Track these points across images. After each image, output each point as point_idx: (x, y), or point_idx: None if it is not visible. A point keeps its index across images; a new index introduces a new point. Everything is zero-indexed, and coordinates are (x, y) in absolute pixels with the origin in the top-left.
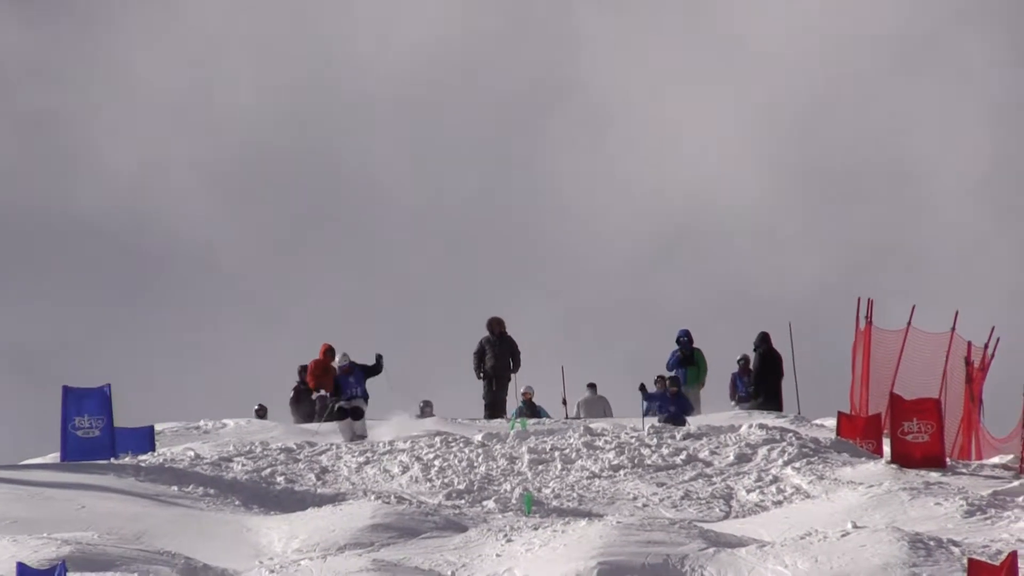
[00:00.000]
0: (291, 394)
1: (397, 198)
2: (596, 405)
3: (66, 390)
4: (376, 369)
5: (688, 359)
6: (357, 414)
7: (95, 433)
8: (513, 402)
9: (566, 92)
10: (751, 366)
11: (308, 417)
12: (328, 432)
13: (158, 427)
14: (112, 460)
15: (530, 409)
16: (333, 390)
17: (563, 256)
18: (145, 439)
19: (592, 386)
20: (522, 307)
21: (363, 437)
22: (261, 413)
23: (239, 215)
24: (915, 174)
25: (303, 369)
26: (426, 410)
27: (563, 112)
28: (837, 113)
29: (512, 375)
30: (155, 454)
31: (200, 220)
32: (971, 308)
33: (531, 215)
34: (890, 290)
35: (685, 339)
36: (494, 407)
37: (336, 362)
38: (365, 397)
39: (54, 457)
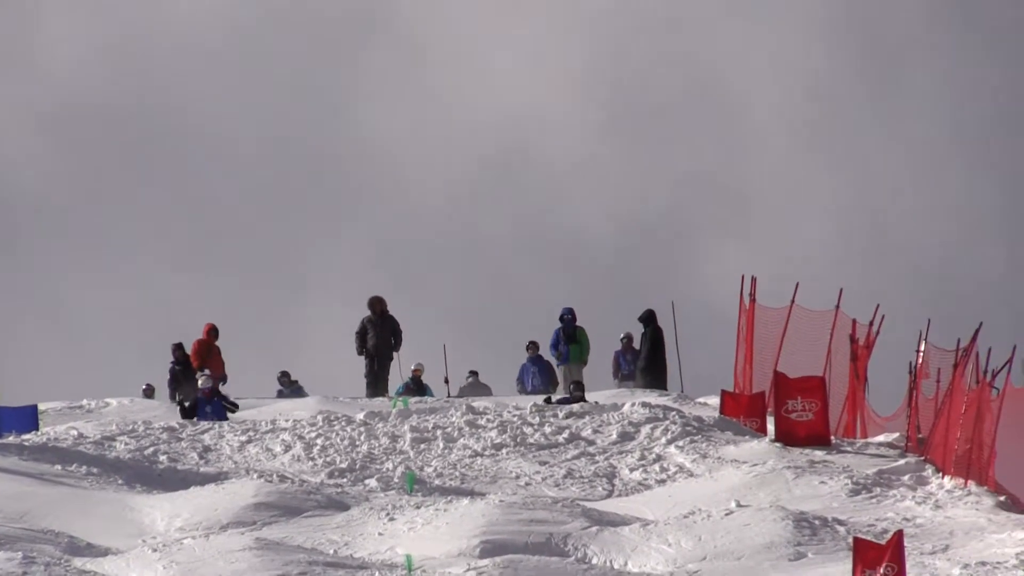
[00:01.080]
0: (167, 376)
1: (226, 137)
2: (478, 391)
3: None
4: (233, 410)
5: (571, 337)
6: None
7: None
8: (396, 380)
9: (381, 23)
10: (634, 344)
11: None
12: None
13: (41, 406)
14: None
15: (417, 386)
16: (186, 412)
17: (380, 189)
18: (28, 418)
19: (474, 373)
20: (342, 242)
21: None
22: (149, 393)
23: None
24: (739, 106)
25: (177, 347)
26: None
27: (378, 43)
28: (664, 42)
29: (394, 354)
30: (38, 433)
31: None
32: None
33: (346, 148)
34: (709, 221)
35: (568, 317)
36: (376, 386)
37: (199, 383)
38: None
39: None
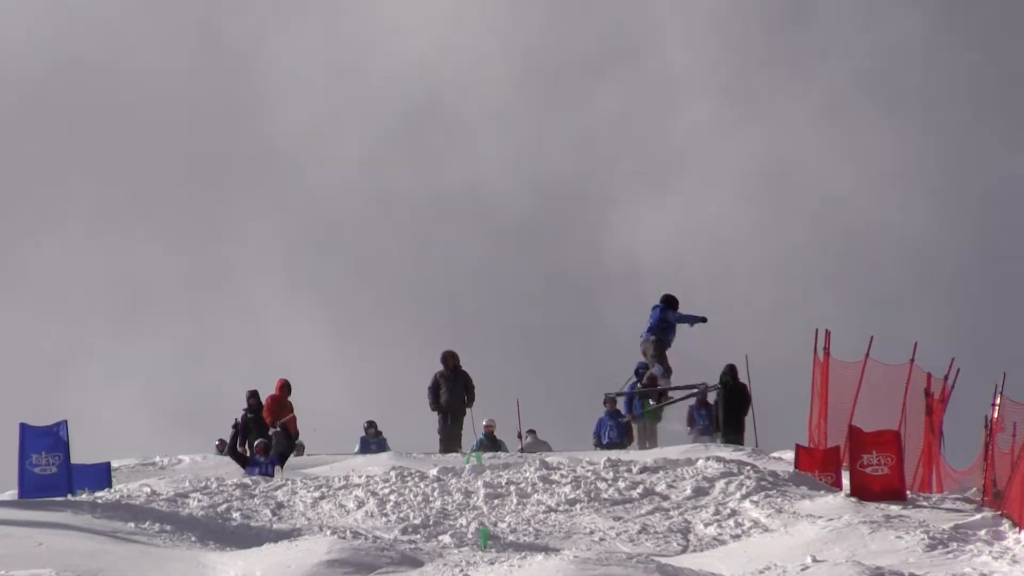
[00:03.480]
0: (238, 423)
1: (133, 98)
2: (538, 449)
3: (23, 427)
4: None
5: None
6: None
7: (52, 470)
8: (469, 436)
9: None
10: (708, 399)
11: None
12: (284, 467)
13: (114, 464)
14: (69, 497)
15: (491, 442)
16: (235, 454)
17: (288, 156)
18: (102, 476)
19: (532, 432)
20: (249, 215)
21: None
22: (222, 449)
23: None
24: (648, 52)
25: (252, 395)
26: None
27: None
28: None
29: (467, 409)
30: (111, 490)
31: None
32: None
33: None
34: (626, 176)
35: (642, 370)
36: (449, 441)
37: (259, 443)
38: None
39: (11, 494)
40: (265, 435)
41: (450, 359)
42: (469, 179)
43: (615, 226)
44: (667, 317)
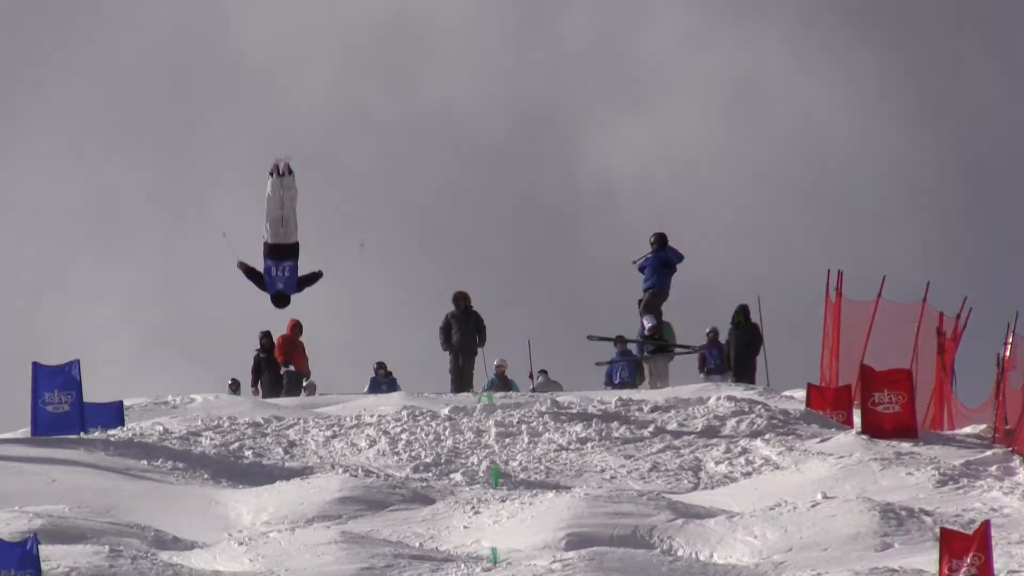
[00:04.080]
0: (252, 364)
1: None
2: (550, 389)
3: (36, 366)
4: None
5: (658, 333)
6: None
7: (65, 408)
8: (480, 375)
9: None
10: (719, 339)
11: (275, 391)
12: (296, 407)
13: (126, 402)
14: (82, 435)
15: (503, 381)
16: (251, 273)
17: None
18: (114, 414)
19: (544, 372)
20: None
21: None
22: (234, 388)
23: None
24: None
25: (264, 335)
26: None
27: None
28: None
29: (479, 349)
30: (124, 429)
31: None
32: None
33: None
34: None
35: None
36: (461, 381)
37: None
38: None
39: (25, 432)
40: (277, 375)
41: (461, 299)
42: (441, 100)
43: (590, 147)
44: (669, 258)
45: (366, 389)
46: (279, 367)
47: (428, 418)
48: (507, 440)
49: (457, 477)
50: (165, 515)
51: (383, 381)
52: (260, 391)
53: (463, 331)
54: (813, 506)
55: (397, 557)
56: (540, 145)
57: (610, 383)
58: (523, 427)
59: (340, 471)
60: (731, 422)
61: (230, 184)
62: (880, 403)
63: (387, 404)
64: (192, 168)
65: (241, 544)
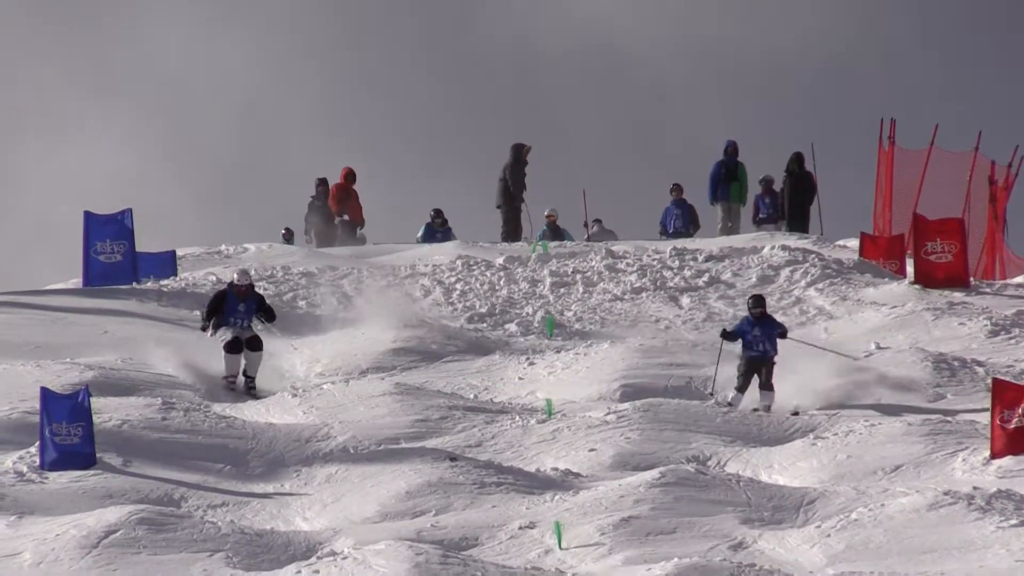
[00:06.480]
0: (306, 210)
1: None
2: (605, 239)
3: (87, 216)
4: (269, 318)
5: (732, 174)
6: (255, 344)
7: (117, 258)
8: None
9: None
10: (774, 187)
11: (328, 240)
12: (350, 257)
13: (179, 252)
14: (134, 285)
15: (554, 231)
16: (210, 312)
17: None
18: (167, 264)
19: (598, 221)
20: None
21: (252, 379)
22: (288, 237)
23: None
24: None
25: (321, 182)
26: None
27: None
28: None
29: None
30: (177, 279)
31: None
32: None
33: None
34: None
35: (731, 150)
36: (514, 231)
37: (236, 279)
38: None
39: (76, 282)
40: (331, 223)
41: (518, 151)
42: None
43: None
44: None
45: (419, 236)
46: (333, 216)
47: (483, 267)
48: (562, 290)
49: (512, 327)
50: (218, 366)
51: (439, 230)
52: (313, 240)
53: (515, 182)
54: (867, 356)
55: (451, 409)
56: None
57: (664, 232)
58: (578, 277)
59: (395, 321)
60: (785, 271)
61: None
62: (933, 252)
63: (441, 254)
64: None
65: (295, 395)
